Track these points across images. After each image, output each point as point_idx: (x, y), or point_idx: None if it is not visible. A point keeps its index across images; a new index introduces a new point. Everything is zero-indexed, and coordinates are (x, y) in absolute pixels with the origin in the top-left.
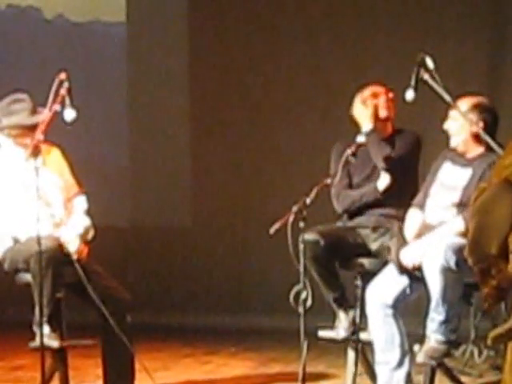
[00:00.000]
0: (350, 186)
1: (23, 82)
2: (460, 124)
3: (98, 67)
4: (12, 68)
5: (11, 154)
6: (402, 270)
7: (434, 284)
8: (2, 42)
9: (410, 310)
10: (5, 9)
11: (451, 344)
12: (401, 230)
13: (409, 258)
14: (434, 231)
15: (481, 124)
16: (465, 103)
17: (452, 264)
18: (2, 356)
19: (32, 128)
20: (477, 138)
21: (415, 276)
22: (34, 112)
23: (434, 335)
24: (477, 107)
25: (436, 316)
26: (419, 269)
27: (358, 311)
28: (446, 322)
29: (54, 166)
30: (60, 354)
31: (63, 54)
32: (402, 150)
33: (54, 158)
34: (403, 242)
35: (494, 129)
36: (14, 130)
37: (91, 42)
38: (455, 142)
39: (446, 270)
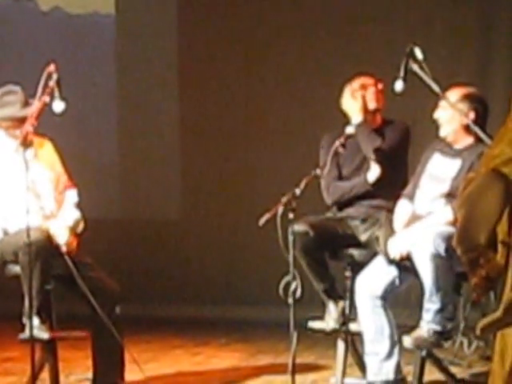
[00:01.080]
0: (340, 177)
1: (18, 75)
2: (450, 113)
3: (92, 59)
4: (7, 60)
5: (2, 145)
6: (391, 260)
7: (426, 273)
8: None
9: (399, 301)
10: None
11: (447, 333)
12: (388, 220)
13: (396, 247)
14: (422, 220)
15: (472, 114)
16: (455, 93)
17: (442, 251)
18: None
19: (24, 120)
20: (467, 128)
21: (404, 266)
22: (26, 104)
23: (430, 325)
24: (468, 97)
25: (431, 306)
26: (407, 258)
27: (347, 302)
28: (441, 310)
29: (46, 159)
30: (50, 346)
31: (59, 46)
32: (391, 141)
33: (46, 150)
34: (391, 231)
35: (485, 119)
36: (6, 121)
37: (87, 35)
38: (445, 131)
39: (436, 258)
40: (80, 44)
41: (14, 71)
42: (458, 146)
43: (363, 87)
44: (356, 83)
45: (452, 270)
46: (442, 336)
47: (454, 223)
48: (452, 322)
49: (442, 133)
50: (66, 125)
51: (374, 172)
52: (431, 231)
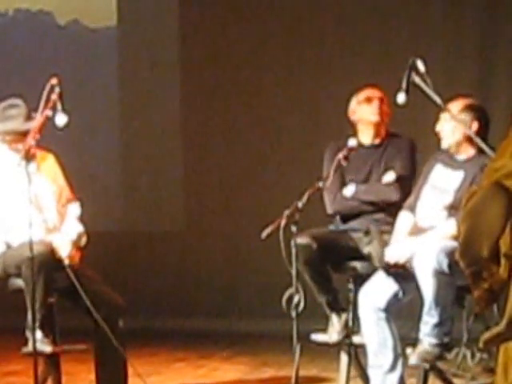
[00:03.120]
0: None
1: (33, 89)
2: (453, 125)
3: (96, 72)
4: (20, 73)
5: (5, 159)
6: (389, 272)
7: (427, 287)
8: (11, 49)
9: (402, 313)
10: (13, 13)
11: (444, 347)
12: (379, 232)
13: (395, 254)
14: (425, 234)
15: (475, 125)
16: (457, 104)
17: (444, 267)
18: None
19: (26, 134)
20: (469, 139)
21: (405, 277)
22: (28, 118)
23: (428, 338)
24: (470, 108)
25: (429, 319)
26: (403, 267)
27: (350, 315)
28: (439, 324)
29: (49, 172)
30: (53, 360)
31: (74, 59)
32: (406, 171)
33: (49, 164)
34: (383, 243)
35: (486, 130)
36: (9, 135)
37: (103, 49)
38: (447, 143)
39: (439, 273)
40: (93, 58)
41: (30, 86)
42: (461, 157)
43: (368, 100)
44: (362, 95)
45: (453, 285)
46: (444, 348)
47: (457, 236)
48: (449, 337)
49: (444, 145)
50: (69, 138)
51: (389, 176)
52: (434, 246)
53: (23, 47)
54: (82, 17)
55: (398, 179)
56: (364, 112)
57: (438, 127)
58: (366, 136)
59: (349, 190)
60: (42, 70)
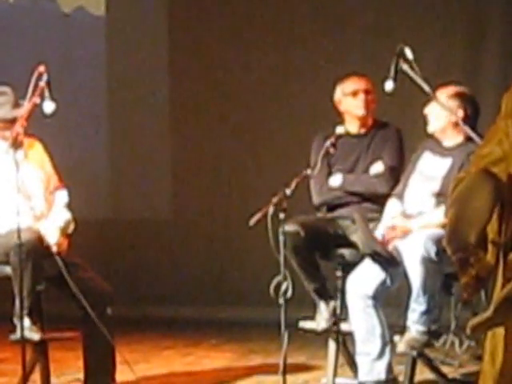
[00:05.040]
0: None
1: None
2: (439, 109)
3: (87, 60)
4: (22, 61)
5: None
6: (375, 259)
7: (415, 274)
8: (13, 38)
9: (390, 300)
10: (14, 1)
11: (432, 334)
12: (362, 219)
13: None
14: (415, 219)
15: (460, 112)
16: (447, 91)
17: (432, 254)
18: None
19: (14, 121)
20: (455, 125)
21: (390, 263)
22: (16, 105)
23: (415, 326)
24: (458, 95)
25: (417, 306)
26: (391, 254)
27: (338, 302)
28: (426, 312)
29: (36, 160)
30: (41, 347)
31: (71, 47)
32: (393, 161)
33: (36, 151)
34: (368, 230)
35: (475, 119)
36: None
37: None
38: (433, 127)
39: (427, 261)
40: (85, 45)
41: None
42: (448, 144)
43: (354, 93)
44: (347, 87)
45: (441, 273)
46: (432, 335)
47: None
48: (436, 324)
49: (430, 128)
50: (57, 125)
51: (377, 167)
52: (422, 234)
53: (24, 35)
54: (87, 4)
55: (387, 170)
56: (350, 105)
57: (426, 110)
58: (352, 125)
59: (336, 180)
60: (41, 58)
